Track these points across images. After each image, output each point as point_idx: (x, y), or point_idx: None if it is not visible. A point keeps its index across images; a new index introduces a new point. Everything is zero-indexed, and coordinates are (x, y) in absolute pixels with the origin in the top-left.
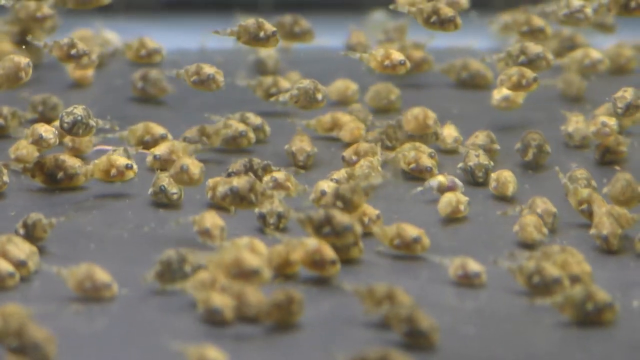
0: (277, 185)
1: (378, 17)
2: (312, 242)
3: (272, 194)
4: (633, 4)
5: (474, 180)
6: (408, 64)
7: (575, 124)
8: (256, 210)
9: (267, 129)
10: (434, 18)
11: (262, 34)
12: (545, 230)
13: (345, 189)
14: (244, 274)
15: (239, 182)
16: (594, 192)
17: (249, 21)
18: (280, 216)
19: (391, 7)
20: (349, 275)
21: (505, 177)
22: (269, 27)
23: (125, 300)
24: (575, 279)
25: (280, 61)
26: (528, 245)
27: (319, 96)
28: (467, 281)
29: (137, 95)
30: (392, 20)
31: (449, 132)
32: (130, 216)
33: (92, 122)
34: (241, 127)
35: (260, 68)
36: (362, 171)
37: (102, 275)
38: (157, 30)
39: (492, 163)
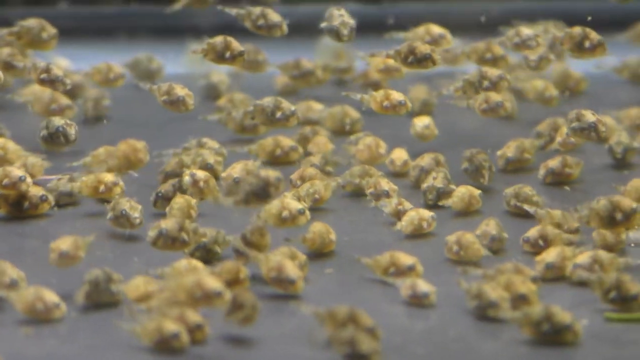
0: (194, 182)
1: (327, 42)
2: (275, 259)
3: (204, 232)
4: (587, 44)
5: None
6: (409, 104)
7: (515, 147)
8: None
9: (224, 151)
10: (411, 58)
11: (227, 53)
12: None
13: (247, 231)
14: (206, 296)
15: (168, 223)
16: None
17: (217, 39)
18: (207, 249)
19: (368, 54)
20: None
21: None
22: (236, 46)
23: (73, 322)
24: (521, 299)
25: (231, 86)
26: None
27: (279, 114)
28: (417, 301)
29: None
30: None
31: (399, 155)
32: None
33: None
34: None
35: (212, 93)
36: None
37: (50, 295)
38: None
39: (450, 185)
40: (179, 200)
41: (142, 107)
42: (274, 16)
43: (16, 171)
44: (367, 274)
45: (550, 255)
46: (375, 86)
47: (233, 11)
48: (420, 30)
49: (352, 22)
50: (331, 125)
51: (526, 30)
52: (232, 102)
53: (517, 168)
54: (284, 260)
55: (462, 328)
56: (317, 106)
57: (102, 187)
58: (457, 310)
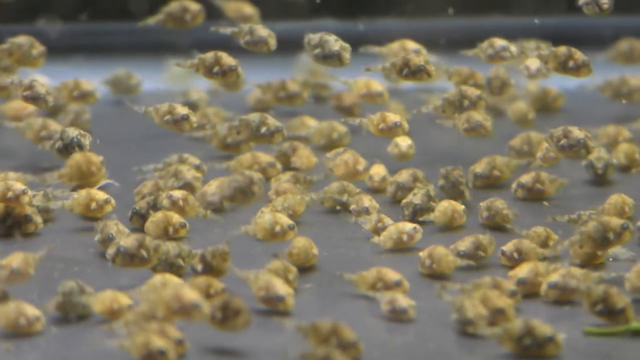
0: (172, 202)
1: (305, 59)
2: (263, 278)
3: (167, 249)
4: (571, 64)
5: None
6: (405, 125)
7: (485, 164)
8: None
9: (204, 168)
10: (405, 70)
11: (216, 68)
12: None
13: (208, 252)
14: (185, 309)
15: (127, 241)
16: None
17: (208, 54)
18: (170, 264)
19: (365, 70)
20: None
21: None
22: (226, 61)
23: (53, 335)
24: (498, 312)
25: (209, 103)
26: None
27: (264, 129)
28: (396, 316)
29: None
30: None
31: (378, 171)
32: (64, 254)
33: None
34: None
35: (191, 110)
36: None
37: (31, 310)
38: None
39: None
40: (157, 215)
41: (122, 123)
42: (262, 32)
43: (100, 194)
44: (347, 288)
45: (523, 270)
46: (350, 110)
47: (228, 30)
48: (395, 45)
49: (347, 45)
50: (319, 140)
51: (499, 42)
52: (207, 117)
53: (488, 184)
54: (272, 278)
55: (442, 342)
56: (311, 122)
57: (93, 205)
58: (437, 325)
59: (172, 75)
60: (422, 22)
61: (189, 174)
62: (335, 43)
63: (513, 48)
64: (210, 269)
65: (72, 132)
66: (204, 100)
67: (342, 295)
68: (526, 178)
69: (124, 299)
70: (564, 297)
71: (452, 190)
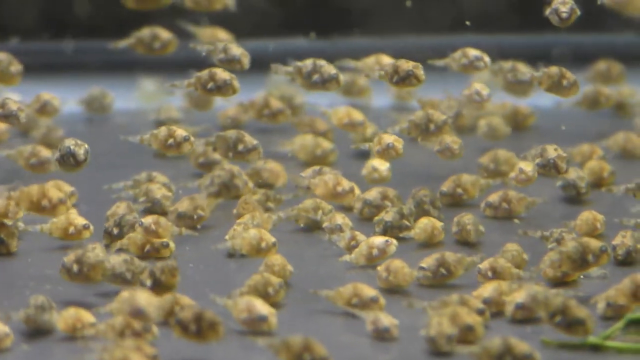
0: (145, 230)
1: (148, 85)
2: (242, 301)
3: (112, 265)
4: (565, 83)
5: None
6: (398, 147)
7: (451, 181)
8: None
9: (173, 187)
10: (395, 77)
11: (211, 84)
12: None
13: (157, 268)
14: (133, 313)
15: (69, 257)
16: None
17: (203, 72)
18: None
19: (365, 76)
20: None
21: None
22: (220, 77)
23: (22, 352)
24: (468, 329)
25: (181, 121)
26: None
27: (240, 147)
28: (378, 335)
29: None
30: (161, 88)
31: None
32: (34, 273)
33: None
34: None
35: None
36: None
37: (0, 326)
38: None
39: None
40: (132, 235)
41: (95, 141)
42: (235, 50)
43: (79, 219)
44: (321, 306)
45: (487, 290)
46: (324, 136)
47: (204, 47)
48: (370, 60)
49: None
50: (304, 156)
51: (473, 51)
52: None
53: (455, 203)
54: (252, 299)
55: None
56: (297, 138)
57: (72, 229)
58: (417, 342)
59: (143, 94)
60: (395, 40)
61: (158, 192)
62: (329, 66)
63: (487, 58)
64: (159, 285)
65: (68, 142)
66: (176, 118)
67: (316, 313)
68: (494, 197)
69: (87, 317)
70: (530, 316)
71: (418, 210)
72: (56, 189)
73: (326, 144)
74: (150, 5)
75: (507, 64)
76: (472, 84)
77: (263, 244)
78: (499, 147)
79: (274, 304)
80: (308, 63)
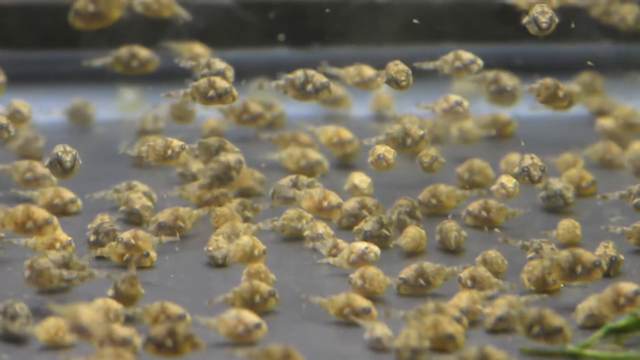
0: (125, 245)
1: (129, 95)
2: (229, 315)
3: (92, 273)
4: (561, 94)
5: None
6: (389, 158)
7: (428, 192)
8: None
9: (154, 196)
10: (392, 83)
11: (211, 92)
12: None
13: (118, 278)
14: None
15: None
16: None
17: (201, 81)
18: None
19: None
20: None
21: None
22: (220, 85)
23: None
24: (448, 338)
25: (163, 132)
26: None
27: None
28: (375, 345)
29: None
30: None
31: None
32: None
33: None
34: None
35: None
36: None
37: None
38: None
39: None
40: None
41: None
42: (219, 64)
43: (40, 212)
44: (307, 313)
45: (462, 300)
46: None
47: (189, 63)
48: (352, 70)
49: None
50: (291, 166)
51: (467, 54)
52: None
53: (432, 212)
54: (240, 311)
55: None
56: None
57: (57, 245)
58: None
59: (124, 104)
60: (376, 50)
61: (138, 202)
62: (319, 75)
63: (480, 61)
64: (119, 295)
65: (57, 148)
66: (158, 128)
67: (301, 320)
68: (474, 205)
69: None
70: (510, 326)
71: (399, 220)
72: (42, 209)
73: (312, 155)
74: (98, 25)
75: (490, 74)
76: (448, 95)
77: (256, 251)
78: (476, 155)
79: (261, 313)
80: (299, 74)
